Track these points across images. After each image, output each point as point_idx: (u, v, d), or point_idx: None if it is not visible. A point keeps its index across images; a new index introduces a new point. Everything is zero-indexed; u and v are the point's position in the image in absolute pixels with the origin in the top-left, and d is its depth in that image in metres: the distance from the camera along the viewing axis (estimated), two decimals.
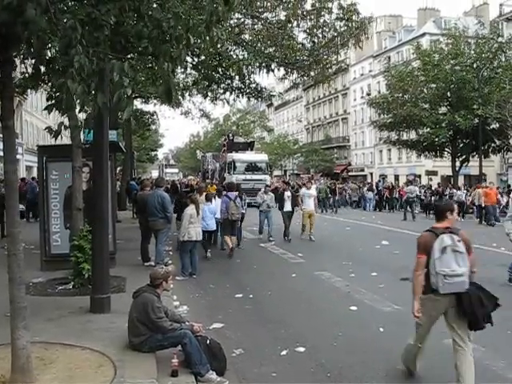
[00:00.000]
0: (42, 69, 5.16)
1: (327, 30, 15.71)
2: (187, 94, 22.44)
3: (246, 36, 15.66)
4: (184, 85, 21.10)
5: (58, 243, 12.13)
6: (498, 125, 36.76)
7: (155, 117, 39.04)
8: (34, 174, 33.83)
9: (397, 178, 60.34)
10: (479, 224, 27.31)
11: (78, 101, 4.64)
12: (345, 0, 15.27)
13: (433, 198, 32.49)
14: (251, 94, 18.72)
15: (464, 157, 40.19)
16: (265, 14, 15.24)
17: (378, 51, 68.83)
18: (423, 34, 57.58)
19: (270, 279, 12.47)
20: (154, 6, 5.64)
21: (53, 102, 4.87)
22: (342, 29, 15.70)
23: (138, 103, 32.00)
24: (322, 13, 15.10)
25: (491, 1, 59.94)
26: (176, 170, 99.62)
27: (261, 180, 40.22)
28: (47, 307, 8.68)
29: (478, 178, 37.62)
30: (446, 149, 40.74)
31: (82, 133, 13.26)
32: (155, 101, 29.44)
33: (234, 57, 15.71)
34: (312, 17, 15.26)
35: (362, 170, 72.45)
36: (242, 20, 15.26)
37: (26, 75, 12.59)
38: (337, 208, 37.39)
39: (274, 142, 79.75)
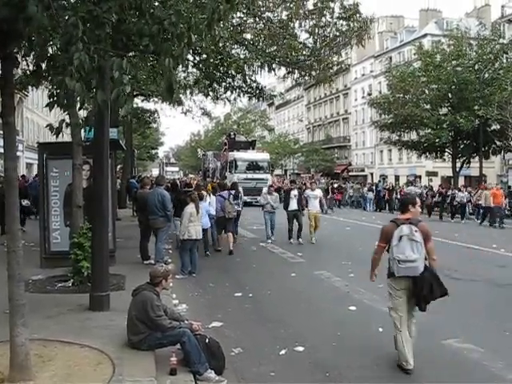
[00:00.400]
0: (44, 66, 5.15)
1: (329, 29, 15.70)
2: (188, 92, 22.41)
3: (248, 35, 15.65)
4: (185, 83, 21.08)
5: (57, 241, 12.12)
6: (498, 126, 36.76)
7: (156, 115, 39.06)
8: (35, 171, 33.87)
9: (397, 178, 60.37)
10: (480, 225, 27.21)
11: (78, 98, 4.64)
12: (347, 0, 15.29)
13: (434, 200, 32.29)
14: (252, 94, 18.70)
15: (464, 158, 40.19)
16: (266, 13, 15.22)
17: (380, 51, 68.81)
18: (425, 35, 57.57)
19: (269, 278, 12.47)
20: (156, 3, 5.64)
21: (54, 99, 4.87)
22: (344, 28, 15.70)
23: (138, 101, 32.01)
24: (324, 12, 15.09)
25: (493, 2, 59.82)
26: (176, 169, 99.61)
27: (262, 179, 40.18)
28: (46, 304, 8.67)
29: (479, 179, 37.60)
30: (447, 150, 40.74)
31: (82, 130, 13.24)
32: (156, 99, 29.43)
33: (236, 56, 15.71)
34: (314, 16, 15.24)
35: (363, 170, 72.44)
36: (244, 19, 15.24)
37: (27, 72, 12.61)
38: (331, 208, 37.08)
39: (274, 142, 79.78)
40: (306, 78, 19.10)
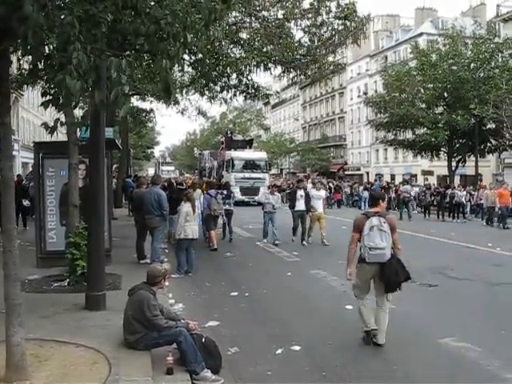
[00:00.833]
0: (41, 65, 5.13)
1: (325, 28, 15.69)
2: (184, 92, 22.38)
3: (244, 34, 15.63)
4: (181, 83, 21.06)
5: (53, 240, 12.10)
6: (494, 125, 36.83)
7: (152, 114, 38.96)
8: (30, 170, 33.76)
9: (393, 177, 60.45)
10: (485, 225, 26.77)
11: (76, 97, 4.63)
12: None
13: (433, 199, 32.13)
14: (248, 93, 18.67)
15: (460, 157, 40.26)
16: (262, 13, 15.21)
17: (375, 51, 68.90)
18: (420, 34, 57.60)
19: (265, 278, 12.47)
20: (152, 3, 5.63)
21: (49, 98, 4.86)
22: (340, 28, 15.70)
23: (134, 100, 31.92)
24: (320, 11, 15.08)
25: (488, 1, 59.93)
26: (172, 168, 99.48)
27: (260, 178, 40.10)
28: (42, 304, 8.65)
29: (475, 178, 37.67)
30: (443, 149, 40.81)
31: (78, 130, 13.22)
32: (152, 98, 29.37)
33: (232, 55, 15.69)
34: (310, 15, 15.24)
35: (359, 170, 72.50)
36: (240, 18, 15.22)
37: (23, 71, 12.57)
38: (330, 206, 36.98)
39: (270, 141, 79.74)
40: (302, 77, 19.10)
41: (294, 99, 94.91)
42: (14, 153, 31.93)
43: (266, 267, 13.96)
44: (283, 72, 17.58)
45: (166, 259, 12.87)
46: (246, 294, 10.61)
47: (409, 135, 43.22)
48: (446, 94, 38.43)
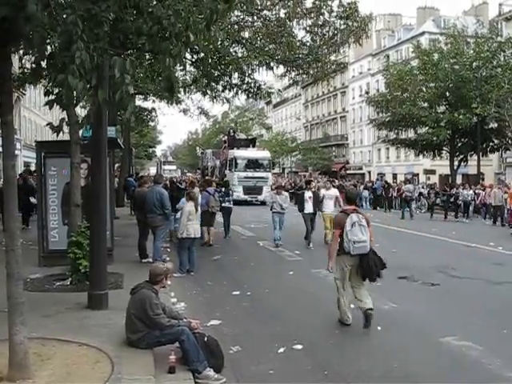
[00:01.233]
0: (43, 64, 5.14)
1: (327, 28, 15.69)
2: (186, 91, 22.37)
3: (246, 33, 15.64)
4: (183, 82, 21.06)
5: (55, 239, 12.12)
6: (496, 124, 36.77)
7: (154, 113, 38.94)
8: (32, 169, 33.76)
9: (395, 176, 60.37)
10: (493, 225, 26.65)
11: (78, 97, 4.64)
12: None
13: (438, 198, 31.97)
14: (250, 92, 18.68)
15: (462, 156, 40.21)
16: (264, 12, 15.21)
17: (377, 50, 68.85)
18: (422, 33, 57.57)
19: (267, 277, 12.47)
20: (154, 2, 5.63)
21: (53, 97, 4.87)
22: (342, 27, 15.70)
23: (136, 100, 31.91)
24: (322, 10, 15.08)
25: (491, 0, 60.01)
26: (174, 167, 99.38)
27: (263, 178, 39.94)
28: (45, 303, 8.66)
29: (477, 178, 37.59)
30: (445, 148, 40.75)
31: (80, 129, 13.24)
32: (154, 97, 29.37)
33: (234, 54, 15.70)
34: (312, 15, 15.24)
35: (360, 169, 72.48)
36: (242, 17, 15.23)
37: (25, 70, 12.57)
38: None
39: (272, 140, 79.71)
40: (304, 76, 19.09)
41: (295, 98, 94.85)
42: (16, 152, 31.95)
43: (267, 266, 13.97)
44: (285, 71, 17.59)
45: (168, 258, 12.90)
46: (248, 293, 10.61)
47: (411, 134, 43.16)
48: (447, 93, 38.34)
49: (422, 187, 36.68)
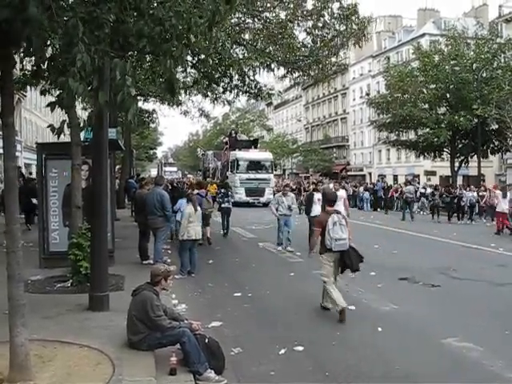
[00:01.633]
0: (44, 66, 5.15)
1: (327, 29, 15.71)
2: (187, 92, 22.40)
3: (247, 35, 15.66)
4: (184, 84, 21.09)
5: (56, 241, 12.12)
6: (496, 126, 36.77)
7: (154, 115, 38.93)
8: (33, 171, 33.80)
9: (395, 178, 60.41)
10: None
11: (80, 99, 4.65)
12: (345, 0, 15.30)
13: (442, 200, 31.74)
14: (250, 93, 18.71)
15: (463, 157, 40.21)
16: (265, 14, 15.23)
17: (378, 51, 68.90)
18: (423, 35, 57.61)
19: (268, 278, 12.46)
20: (155, 4, 5.64)
21: (55, 99, 4.87)
22: (342, 28, 15.71)
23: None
24: (323, 12, 15.10)
25: (491, 2, 60.00)
26: (175, 169, 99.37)
27: (265, 179, 39.75)
28: (45, 305, 8.67)
29: (477, 179, 37.58)
30: (445, 149, 40.76)
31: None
32: (154, 99, 29.41)
33: (235, 56, 15.71)
34: (313, 17, 15.26)
35: (361, 170, 72.50)
36: (243, 19, 15.25)
37: (26, 72, 12.61)
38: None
39: (272, 142, 79.68)
40: (305, 77, 19.11)
41: (296, 100, 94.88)
42: (17, 153, 31.97)
43: (268, 268, 13.96)
44: (286, 73, 17.61)
45: (169, 260, 12.90)
46: (249, 295, 10.62)
47: (411, 136, 43.17)
48: (448, 95, 38.35)
49: (423, 187, 36.60)
